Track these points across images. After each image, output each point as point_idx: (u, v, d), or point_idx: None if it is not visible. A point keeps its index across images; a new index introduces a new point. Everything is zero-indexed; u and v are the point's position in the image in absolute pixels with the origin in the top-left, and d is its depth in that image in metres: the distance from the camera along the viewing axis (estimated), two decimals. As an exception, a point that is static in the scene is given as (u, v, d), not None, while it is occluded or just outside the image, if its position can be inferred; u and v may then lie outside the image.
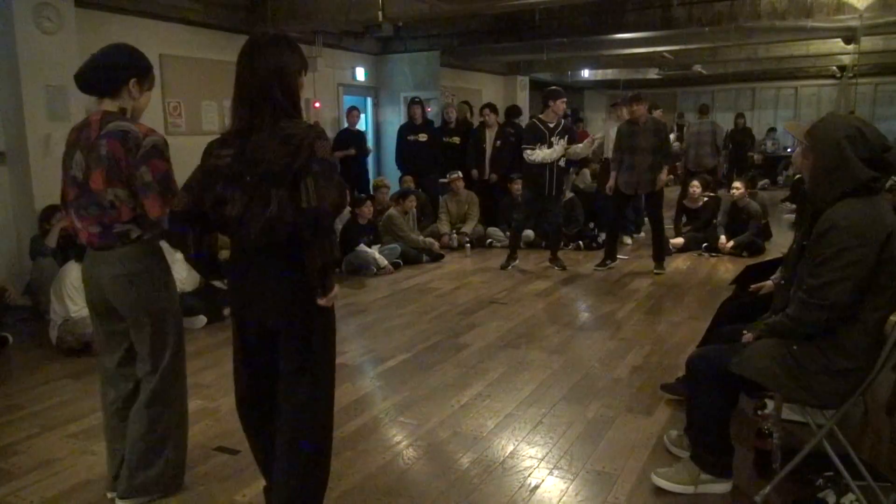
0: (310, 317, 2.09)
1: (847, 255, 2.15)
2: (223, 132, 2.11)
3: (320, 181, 1.93)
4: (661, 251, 6.66)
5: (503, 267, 6.76)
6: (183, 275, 4.91)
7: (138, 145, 2.36)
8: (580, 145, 6.61)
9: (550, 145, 6.37)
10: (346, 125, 8.83)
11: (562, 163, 6.57)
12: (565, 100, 6.60)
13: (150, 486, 2.54)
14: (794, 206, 9.68)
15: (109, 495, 2.60)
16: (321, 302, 2.05)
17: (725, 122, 14.50)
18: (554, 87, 6.75)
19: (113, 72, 2.42)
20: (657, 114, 9.36)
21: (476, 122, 9.37)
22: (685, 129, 10.22)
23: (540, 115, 6.62)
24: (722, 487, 2.58)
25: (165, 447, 2.55)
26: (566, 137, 6.46)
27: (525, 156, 6.47)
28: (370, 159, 10.09)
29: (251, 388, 2.26)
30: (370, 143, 9.84)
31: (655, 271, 6.56)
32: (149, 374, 2.54)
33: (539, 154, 6.38)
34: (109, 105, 2.44)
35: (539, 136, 6.43)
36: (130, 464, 2.52)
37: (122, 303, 2.47)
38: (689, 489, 2.57)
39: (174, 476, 2.62)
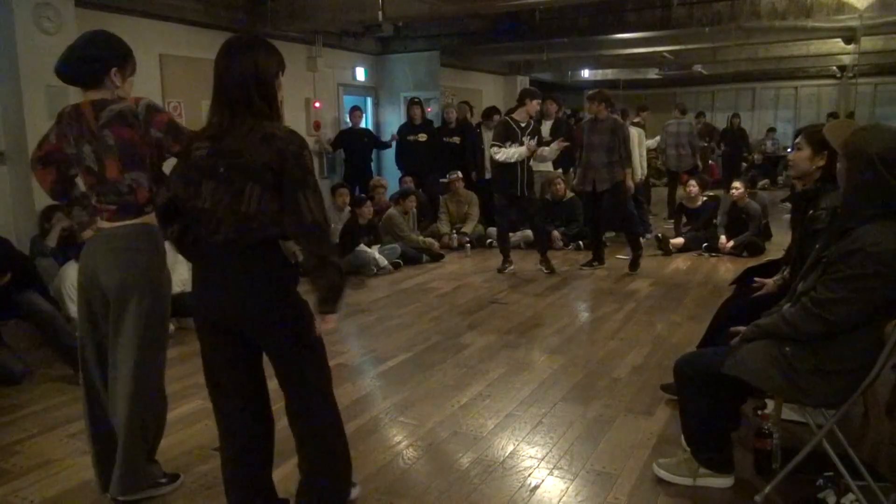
0: (284, 317, 2.07)
1: (867, 280, 2.11)
2: (200, 129, 2.11)
3: (316, 196, 1.97)
4: (637, 247, 6.58)
5: (500, 270, 6.68)
6: (185, 276, 4.90)
7: (136, 115, 2.42)
8: (548, 148, 6.47)
9: (522, 144, 6.25)
10: (349, 124, 8.84)
11: (531, 163, 6.43)
12: (540, 101, 6.52)
13: (140, 482, 2.52)
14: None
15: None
16: (323, 326, 2.06)
17: (724, 122, 14.50)
18: (532, 88, 6.72)
19: (93, 63, 2.42)
20: (644, 115, 9.48)
21: (475, 121, 9.39)
22: (662, 128, 10.22)
23: (512, 115, 6.53)
24: (722, 482, 2.59)
25: (146, 437, 2.54)
26: (535, 139, 6.30)
27: (492, 153, 6.37)
28: (371, 159, 10.09)
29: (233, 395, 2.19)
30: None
31: (629, 272, 6.49)
32: (128, 360, 2.46)
33: (504, 153, 6.27)
34: (96, 95, 2.45)
35: (510, 135, 6.30)
36: (120, 462, 2.47)
37: (114, 277, 2.42)
38: (688, 481, 2.60)
39: (151, 469, 2.59)
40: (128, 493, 2.50)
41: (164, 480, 2.64)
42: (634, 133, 8.34)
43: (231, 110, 2.00)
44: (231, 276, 2.03)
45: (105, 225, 2.50)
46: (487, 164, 8.41)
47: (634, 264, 6.58)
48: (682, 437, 2.76)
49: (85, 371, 2.57)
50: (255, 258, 2.02)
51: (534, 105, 6.36)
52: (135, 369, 2.45)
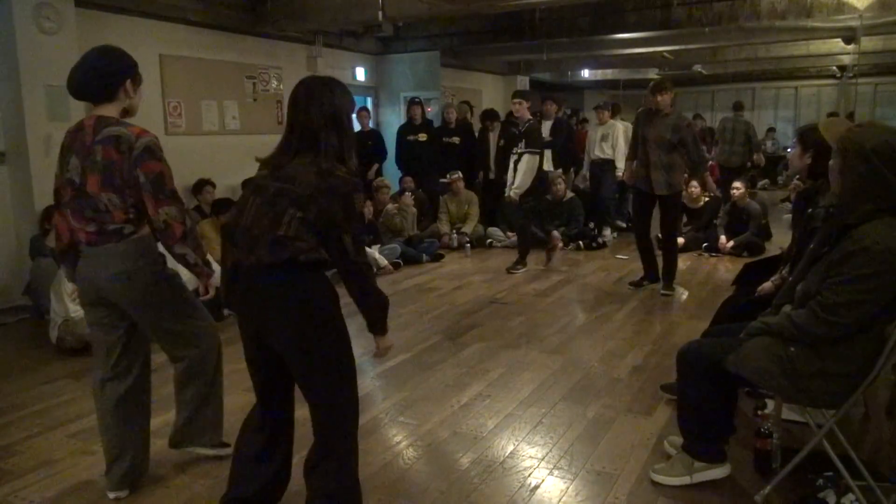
0: (316, 337, 2.05)
1: (873, 280, 2.11)
2: (267, 156, 2.14)
3: (359, 239, 2.04)
4: (672, 268, 5.74)
5: (510, 270, 6.66)
6: (186, 275, 4.90)
7: (131, 147, 2.39)
8: (518, 180, 6.36)
9: (520, 150, 6.36)
10: (357, 126, 8.73)
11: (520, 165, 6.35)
12: (521, 101, 6.33)
13: (196, 437, 2.78)
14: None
15: (111, 495, 2.60)
16: (376, 351, 2.19)
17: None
18: (519, 89, 6.75)
19: (109, 78, 2.46)
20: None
21: (477, 124, 9.39)
22: (717, 124, 10.23)
23: (513, 117, 6.55)
24: (718, 472, 2.60)
25: (208, 407, 2.75)
26: (523, 142, 6.31)
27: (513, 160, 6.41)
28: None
29: (261, 397, 2.28)
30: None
31: (663, 292, 5.69)
32: (181, 359, 2.68)
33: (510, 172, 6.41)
34: (106, 110, 2.47)
35: (514, 139, 6.42)
36: (181, 420, 2.76)
37: (126, 301, 2.51)
38: (685, 480, 2.60)
39: (214, 432, 2.81)
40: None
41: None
42: (620, 126, 8.43)
43: (298, 145, 2.05)
44: (271, 297, 2.02)
45: (87, 250, 2.50)
46: (492, 164, 8.45)
47: (671, 282, 5.84)
48: (678, 425, 2.76)
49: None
50: (293, 281, 2.01)
51: (513, 106, 6.39)
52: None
